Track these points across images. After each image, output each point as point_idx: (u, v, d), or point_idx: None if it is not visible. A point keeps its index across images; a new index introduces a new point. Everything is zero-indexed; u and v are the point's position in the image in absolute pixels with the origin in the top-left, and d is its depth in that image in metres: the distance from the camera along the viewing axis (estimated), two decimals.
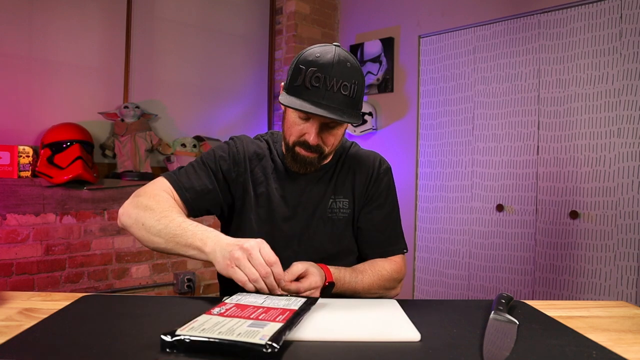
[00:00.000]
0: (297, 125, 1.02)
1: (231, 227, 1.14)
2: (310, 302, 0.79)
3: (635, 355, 0.65)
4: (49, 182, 2.21)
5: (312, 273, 0.91)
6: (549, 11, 2.49)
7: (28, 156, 2.24)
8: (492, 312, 0.80)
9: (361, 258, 1.18)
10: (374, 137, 3.21)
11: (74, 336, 0.68)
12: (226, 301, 0.78)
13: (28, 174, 2.23)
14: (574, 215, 2.38)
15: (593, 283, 2.32)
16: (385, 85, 3.18)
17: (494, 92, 2.69)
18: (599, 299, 2.28)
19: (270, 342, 0.58)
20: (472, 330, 0.74)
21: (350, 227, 1.13)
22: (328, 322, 0.75)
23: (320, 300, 0.88)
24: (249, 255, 0.83)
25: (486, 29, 2.73)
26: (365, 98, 3.30)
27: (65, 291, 2.28)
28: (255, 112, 3.37)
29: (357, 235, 1.15)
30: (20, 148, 2.22)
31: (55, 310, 0.80)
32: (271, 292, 0.83)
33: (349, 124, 1.07)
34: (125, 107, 2.58)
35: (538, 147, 2.52)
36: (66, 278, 2.32)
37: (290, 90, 0.99)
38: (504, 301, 0.84)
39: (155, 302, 0.90)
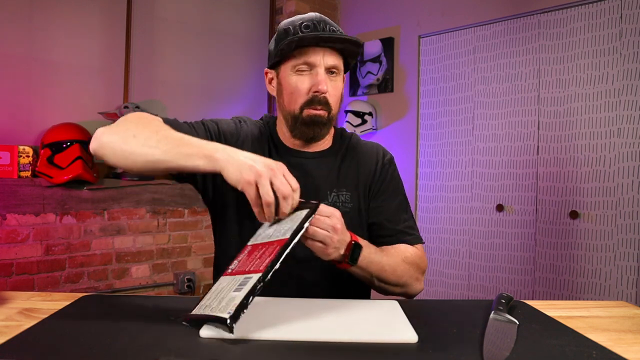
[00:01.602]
0: (301, 82, 0.99)
1: (220, 217, 1.08)
2: (309, 215, 0.77)
3: (635, 355, 0.65)
4: (49, 182, 2.21)
5: (337, 216, 0.84)
6: (549, 11, 2.49)
7: (28, 156, 2.24)
8: (492, 312, 0.80)
9: None
10: (374, 137, 3.21)
11: (74, 336, 0.68)
12: (248, 243, 0.83)
13: (28, 174, 2.23)
14: (574, 215, 2.38)
15: (593, 283, 2.32)
16: (385, 85, 3.18)
17: (494, 92, 2.69)
18: (599, 299, 2.28)
19: (230, 318, 0.66)
20: (472, 330, 0.74)
21: (353, 223, 1.05)
22: (326, 323, 0.75)
23: (319, 301, 0.88)
24: (273, 175, 0.76)
25: (486, 29, 2.73)
26: (365, 98, 3.30)
27: (65, 291, 2.28)
28: (255, 112, 3.37)
29: (370, 231, 1.09)
30: (20, 148, 2.22)
31: (55, 310, 0.80)
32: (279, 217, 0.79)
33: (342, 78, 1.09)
34: (125, 107, 2.58)
35: (538, 147, 2.52)
36: (66, 278, 2.32)
37: (281, 54, 0.98)
38: (504, 301, 0.84)
39: (155, 302, 0.90)
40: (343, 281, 1.06)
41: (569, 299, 2.36)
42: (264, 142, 1.08)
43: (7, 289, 2.12)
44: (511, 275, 2.60)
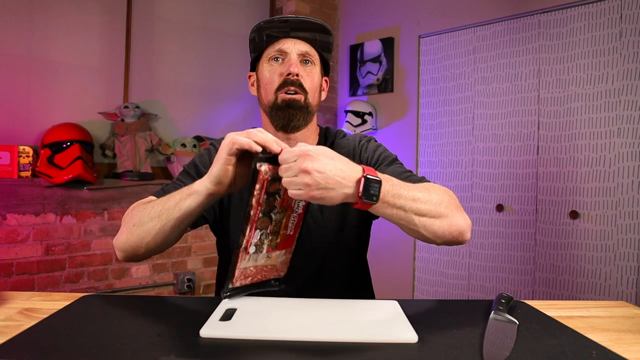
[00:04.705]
0: (273, 71, 1.02)
1: (222, 230, 1.11)
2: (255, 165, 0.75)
3: (635, 355, 0.65)
4: (49, 182, 2.21)
5: (303, 146, 0.74)
6: (549, 11, 2.49)
7: (28, 156, 2.24)
8: (492, 312, 0.80)
9: (363, 257, 1.16)
10: (374, 137, 3.21)
11: (74, 336, 0.68)
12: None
13: (28, 174, 2.23)
14: (574, 215, 2.38)
15: (593, 283, 2.32)
16: (385, 85, 3.18)
17: (494, 92, 2.69)
18: (599, 299, 2.28)
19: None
20: (472, 330, 0.74)
21: (339, 212, 1.05)
22: (326, 323, 0.75)
23: (319, 301, 0.88)
24: (247, 133, 0.77)
25: (486, 29, 2.73)
26: (365, 98, 3.30)
27: (65, 291, 2.28)
28: (255, 112, 3.37)
29: None
30: (20, 148, 2.22)
31: (55, 310, 0.80)
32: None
33: (325, 80, 1.11)
34: (125, 107, 2.58)
35: (538, 147, 2.52)
36: (66, 278, 2.32)
37: (257, 49, 1.05)
38: (504, 301, 0.84)
39: (155, 302, 0.90)
40: (345, 279, 1.07)
41: (569, 299, 2.36)
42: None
43: (7, 289, 2.12)
44: (511, 275, 2.60)
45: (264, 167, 0.74)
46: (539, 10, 2.51)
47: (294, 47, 1.02)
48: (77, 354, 0.61)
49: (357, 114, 3.12)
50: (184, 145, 2.80)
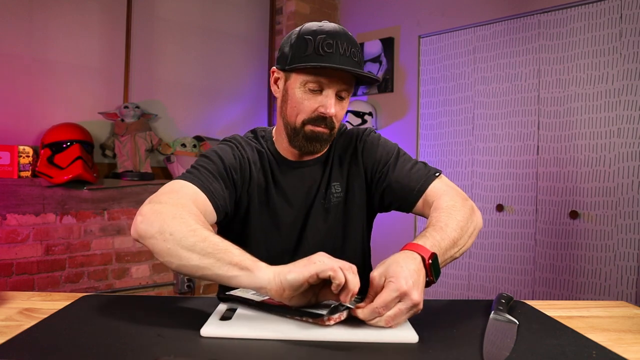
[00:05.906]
0: (308, 100, 0.96)
1: (230, 235, 1.06)
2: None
3: (635, 355, 0.65)
4: (49, 182, 2.21)
5: (391, 281, 0.72)
6: (549, 11, 2.49)
7: (28, 156, 2.24)
8: (492, 312, 0.80)
9: (367, 256, 1.15)
10: None
11: (74, 336, 0.68)
12: None
13: (28, 174, 2.23)
14: (574, 215, 2.38)
15: (593, 283, 2.32)
16: (385, 85, 3.18)
17: (494, 92, 2.69)
18: (599, 299, 2.28)
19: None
20: (472, 330, 0.74)
21: (344, 210, 1.08)
22: None
23: None
24: (342, 267, 0.69)
25: (486, 29, 2.73)
26: (365, 98, 3.30)
27: (65, 291, 2.28)
28: (255, 112, 3.37)
29: (392, 201, 1.06)
30: (20, 148, 2.22)
31: (55, 310, 0.80)
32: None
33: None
34: (125, 107, 2.58)
35: (538, 147, 2.52)
36: (66, 278, 2.32)
37: (298, 61, 0.94)
38: (504, 301, 0.84)
39: (155, 302, 0.90)
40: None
41: (569, 299, 2.36)
42: (264, 161, 1.06)
43: (7, 289, 2.12)
44: (511, 275, 2.60)
45: (332, 322, 0.71)
46: (539, 10, 2.51)
47: (337, 84, 0.96)
48: (77, 354, 0.61)
49: (357, 114, 3.12)
50: (184, 145, 2.80)
